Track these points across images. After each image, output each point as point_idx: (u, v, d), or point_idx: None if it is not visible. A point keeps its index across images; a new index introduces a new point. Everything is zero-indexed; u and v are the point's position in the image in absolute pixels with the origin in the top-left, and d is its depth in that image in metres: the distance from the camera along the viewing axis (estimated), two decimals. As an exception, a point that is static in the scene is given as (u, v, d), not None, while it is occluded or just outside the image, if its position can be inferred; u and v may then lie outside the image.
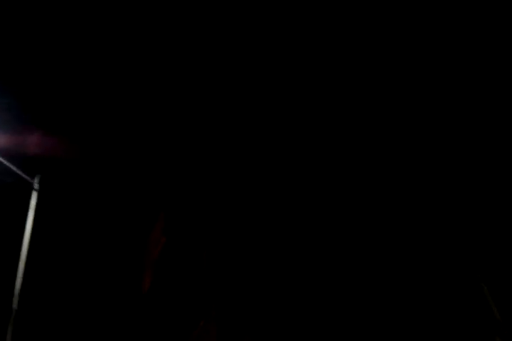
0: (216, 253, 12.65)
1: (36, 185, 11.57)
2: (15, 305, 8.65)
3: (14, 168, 11.38)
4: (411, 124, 15.10)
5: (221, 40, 15.90)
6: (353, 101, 15.23)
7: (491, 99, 14.92)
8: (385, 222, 14.15)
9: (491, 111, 14.75)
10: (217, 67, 15.76)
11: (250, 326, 11.14)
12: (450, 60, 15.84)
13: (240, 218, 13.13)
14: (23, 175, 11.52)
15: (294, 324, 11.60)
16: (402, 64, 15.79)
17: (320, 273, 12.99)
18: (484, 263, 13.32)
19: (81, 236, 18.42)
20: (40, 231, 10.72)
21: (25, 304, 8.84)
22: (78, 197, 18.35)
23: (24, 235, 10.11)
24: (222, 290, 11.87)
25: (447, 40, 15.97)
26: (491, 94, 14.99)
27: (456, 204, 13.91)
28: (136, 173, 18.79)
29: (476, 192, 13.82)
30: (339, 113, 15.18)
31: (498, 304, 12.61)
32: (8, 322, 8.35)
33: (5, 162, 11.23)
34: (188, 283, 13.78)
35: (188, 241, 14.55)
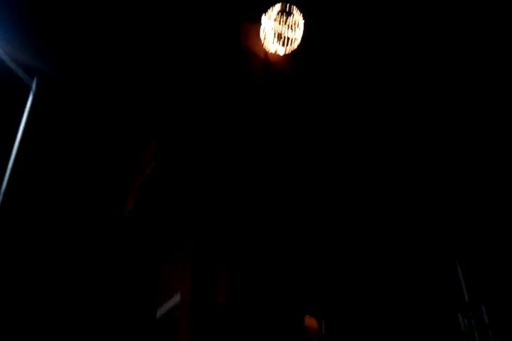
0: (204, 186, 12.50)
1: (34, 87, 10.97)
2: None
3: (13, 65, 10.70)
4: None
5: None
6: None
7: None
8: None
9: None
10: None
11: (226, 255, 11.19)
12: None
13: (234, 156, 12.87)
14: (21, 75, 10.87)
15: (268, 257, 11.65)
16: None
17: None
18: (461, 245, 13.41)
19: (70, 148, 18.03)
20: (32, 135, 10.25)
21: (8, 204, 8.56)
22: (74, 107, 17.79)
23: (16, 138, 9.66)
24: (203, 219, 11.82)
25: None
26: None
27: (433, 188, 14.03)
28: (134, 95, 18.24)
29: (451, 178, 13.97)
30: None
31: (468, 285, 12.77)
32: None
33: (4, 57, 10.53)
34: (171, 210, 13.70)
35: (177, 169, 14.34)
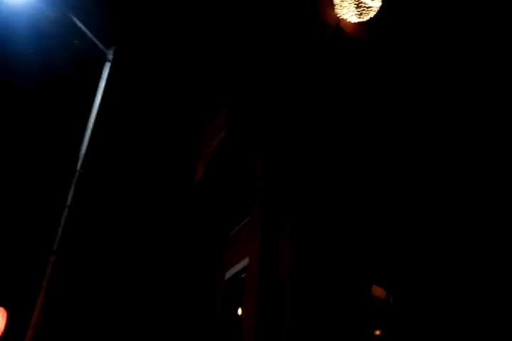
0: (270, 155, 12.59)
1: (110, 57, 11.30)
2: (79, 168, 8.94)
3: (91, 36, 11.05)
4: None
5: None
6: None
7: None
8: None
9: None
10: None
11: (292, 227, 11.29)
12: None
13: (301, 134, 12.81)
14: (99, 44, 11.22)
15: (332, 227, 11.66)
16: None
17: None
18: None
19: (144, 114, 18.62)
20: (109, 103, 10.68)
21: (89, 168, 9.06)
22: (148, 74, 18.26)
23: (93, 106, 10.08)
24: (270, 189, 11.96)
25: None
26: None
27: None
28: (207, 61, 18.45)
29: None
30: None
31: None
32: (70, 183, 8.69)
33: (83, 28, 10.89)
34: (239, 177, 13.94)
35: (246, 140, 14.49)
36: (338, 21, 15.02)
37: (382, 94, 14.52)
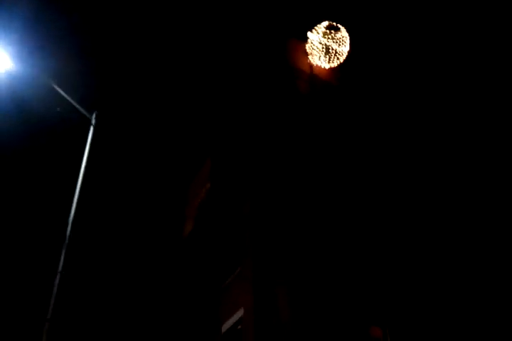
0: (258, 203, 12.79)
1: (93, 121, 11.67)
2: (68, 232, 9.04)
3: (73, 102, 11.47)
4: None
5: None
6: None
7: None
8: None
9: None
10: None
11: (285, 274, 11.37)
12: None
13: (287, 173, 13.13)
14: (81, 110, 11.63)
15: (328, 273, 11.78)
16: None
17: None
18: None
19: (131, 173, 18.88)
20: (94, 167, 10.93)
21: (76, 233, 9.19)
22: (131, 136, 18.66)
23: (80, 171, 10.32)
24: (261, 238, 12.08)
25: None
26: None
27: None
28: (188, 118, 18.93)
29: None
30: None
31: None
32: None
33: (65, 95, 11.32)
34: (228, 229, 14.06)
35: (232, 189, 14.73)
36: (312, 67, 15.74)
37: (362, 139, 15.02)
